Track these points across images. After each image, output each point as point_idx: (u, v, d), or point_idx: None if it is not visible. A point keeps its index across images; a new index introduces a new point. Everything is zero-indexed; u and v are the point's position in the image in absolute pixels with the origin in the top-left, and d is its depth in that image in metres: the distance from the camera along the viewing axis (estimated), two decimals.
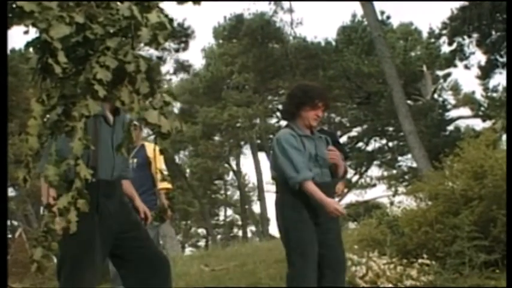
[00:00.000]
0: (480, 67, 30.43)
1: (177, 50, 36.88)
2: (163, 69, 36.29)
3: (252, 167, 40.40)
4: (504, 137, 14.57)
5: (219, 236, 50.58)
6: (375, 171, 44.41)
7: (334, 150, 5.71)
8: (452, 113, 36.29)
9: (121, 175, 5.06)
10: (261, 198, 39.96)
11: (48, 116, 2.76)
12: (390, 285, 7.91)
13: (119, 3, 2.93)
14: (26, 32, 2.73)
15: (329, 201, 5.42)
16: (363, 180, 44.38)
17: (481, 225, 8.49)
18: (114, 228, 4.81)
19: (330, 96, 5.99)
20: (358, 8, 30.54)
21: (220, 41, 38.17)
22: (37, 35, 2.78)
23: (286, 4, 33.91)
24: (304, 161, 5.43)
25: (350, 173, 40.21)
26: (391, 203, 11.98)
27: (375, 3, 22.12)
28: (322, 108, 5.63)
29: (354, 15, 36.94)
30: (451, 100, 38.21)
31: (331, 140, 6.38)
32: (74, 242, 4.23)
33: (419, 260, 8.36)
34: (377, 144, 40.25)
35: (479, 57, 34.26)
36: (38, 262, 2.70)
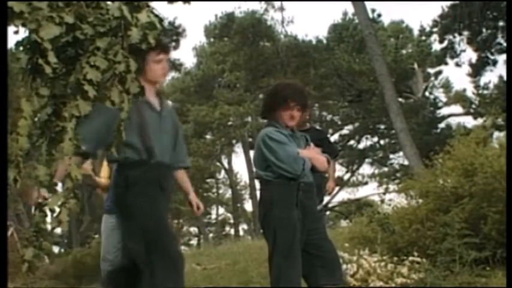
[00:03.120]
0: (471, 65, 30.47)
1: None
2: None
3: (244, 165, 40.38)
4: (495, 134, 14.61)
5: (211, 235, 50.54)
6: (366, 169, 44.55)
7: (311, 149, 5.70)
8: (444, 111, 36.38)
9: (178, 163, 5.32)
10: (253, 197, 39.90)
11: (38, 115, 2.77)
12: (381, 283, 7.93)
13: (108, 2, 2.94)
14: (16, 32, 2.73)
15: (317, 156, 5.57)
16: (354, 178, 44.48)
17: (471, 223, 8.51)
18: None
19: (306, 95, 5.86)
20: (349, 6, 30.65)
21: (212, 40, 38.12)
22: (27, 34, 2.78)
23: (277, 2, 33.93)
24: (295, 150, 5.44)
25: (342, 171, 40.32)
26: (382, 201, 12.00)
27: (365, 1, 22.15)
28: (297, 108, 5.57)
29: (345, 14, 37.03)
30: (443, 98, 38.29)
31: (321, 137, 6.38)
32: (152, 219, 4.83)
33: (410, 258, 8.37)
34: (368, 142, 40.28)
35: (470, 54, 34.40)
36: (29, 262, 2.70)
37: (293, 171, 5.34)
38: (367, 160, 41.61)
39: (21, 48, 2.81)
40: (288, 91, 5.58)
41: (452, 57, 31.26)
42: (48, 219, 2.76)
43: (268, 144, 5.44)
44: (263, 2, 33.67)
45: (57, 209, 2.70)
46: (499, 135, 14.05)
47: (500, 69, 29.66)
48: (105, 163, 8.24)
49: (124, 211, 5.06)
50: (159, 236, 4.87)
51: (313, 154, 5.57)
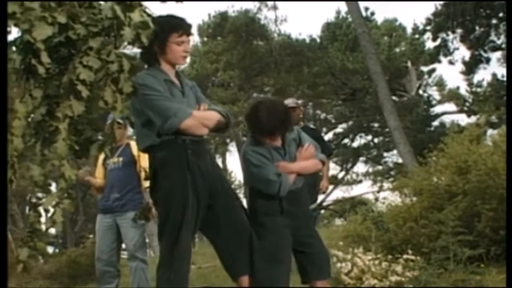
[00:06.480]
0: (464, 62, 30.54)
1: None
2: None
3: (238, 164, 40.32)
4: (489, 132, 14.63)
5: None
6: (360, 167, 44.46)
7: (303, 151, 5.64)
8: (437, 109, 36.40)
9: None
10: (247, 196, 39.85)
11: (32, 116, 2.76)
12: (375, 281, 7.93)
13: (101, 2, 2.93)
14: (9, 33, 2.73)
15: (307, 164, 5.54)
16: (348, 176, 44.43)
17: (465, 220, 8.53)
18: (207, 188, 4.95)
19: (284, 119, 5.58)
20: (342, 5, 30.67)
21: (205, 39, 38.01)
22: (19, 34, 2.78)
23: (270, 1, 33.87)
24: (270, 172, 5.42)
25: (336, 169, 40.30)
26: (376, 199, 12.01)
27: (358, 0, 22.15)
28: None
29: (338, 12, 36.96)
30: (436, 96, 38.32)
31: (315, 136, 6.36)
32: (170, 203, 4.74)
33: (404, 256, 8.38)
34: (362, 141, 40.22)
35: (463, 52, 34.36)
36: (24, 262, 2.70)
37: (269, 192, 5.38)
38: (361, 158, 41.56)
39: (13, 48, 2.80)
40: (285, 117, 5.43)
41: (445, 55, 31.35)
42: (43, 219, 2.76)
43: (247, 164, 5.52)
44: (256, 1, 33.65)
45: (52, 209, 2.70)
46: (493, 133, 14.05)
47: (494, 67, 29.85)
48: (99, 164, 8.27)
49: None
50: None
51: (301, 165, 5.54)
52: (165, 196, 4.82)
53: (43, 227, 2.74)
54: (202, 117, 4.96)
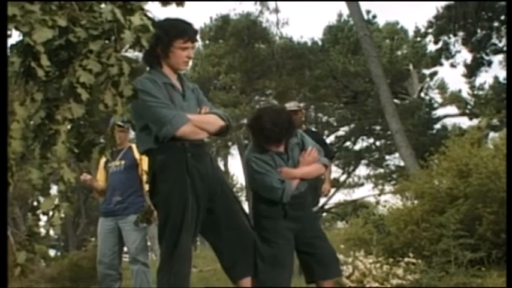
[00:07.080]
0: (466, 65, 30.49)
1: None
2: None
3: (240, 167, 40.32)
4: (490, 135, 14.62)
5: None
6: (362, 170, 44.43)
7: (306, 156, 5.63)
8: (439, 112, 36.38)
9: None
10: (249, 199, 39.65)
11: (33, 118, 2.76)
12: (376, 285, 7.92)
13: (102, 5, 2.93)
14: (9, 36, 2.73)
15: (310, 170, 5.54)
16: (350, 179, 44.39)
17: (466, 224, 8.52)
18: (207, 191, 4.94)
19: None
20: (344, 8, 30.58)
21: (207, 42, 37.99)
22: (21, 37, 2.78)
23: (272, 4, 33.81)
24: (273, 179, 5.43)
25: (338, 172, 40.28)
26: (378, 202, 11.99)
27: (360, 2, 22.05)
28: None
29: (340, 15, 36.94)
30: (438, 99, 38.29)
31: (316, 139, 6.36)
32: (170, 207, 4.74)
33: (406, 259, 8.37)
34: (364, 144, 40.18)
35: (464, 55, 34.42)
36: (22, 266, 2.69)
37: (272, 199, 5.40)
38: (363, 161, 41.52)
39: (14, 51, 2.80)
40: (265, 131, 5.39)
41: (447, 58, 31.29)
42: (43, 222, 2.76)
43: (250, 171, 5.53)
44: (258, 4, 33.61)
45: (51, 213, 2.70)
46: (494, 136, 14.05)
47: (495, 70, 29.86)
48: (101, 167, 8.27)
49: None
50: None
51: (304, 171, 5.55)
52: (165, 199, 4.83)
53: (42, 230, 2.74)
54: (200, 122, 4.97)
